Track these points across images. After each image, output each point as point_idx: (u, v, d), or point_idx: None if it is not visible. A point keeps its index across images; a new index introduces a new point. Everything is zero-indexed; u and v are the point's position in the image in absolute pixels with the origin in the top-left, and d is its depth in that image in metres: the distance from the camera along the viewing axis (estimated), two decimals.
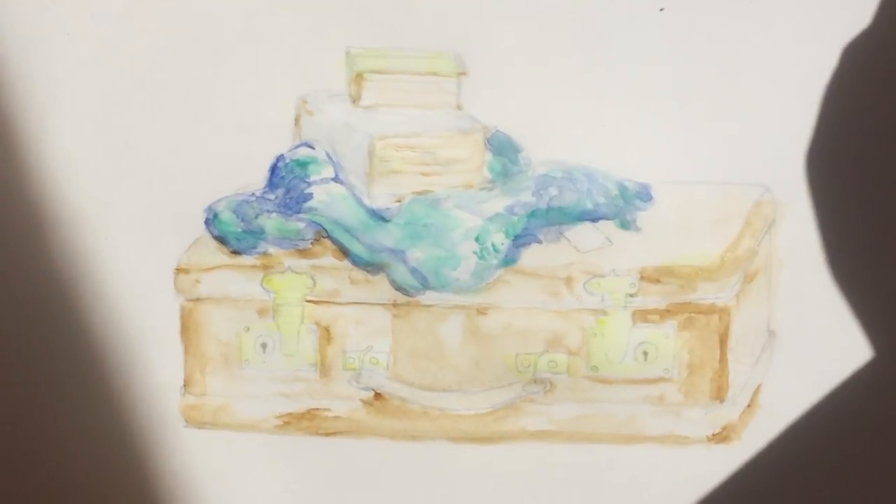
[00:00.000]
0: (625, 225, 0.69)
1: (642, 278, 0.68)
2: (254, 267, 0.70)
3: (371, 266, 0.69)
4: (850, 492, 0.70)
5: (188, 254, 0.70)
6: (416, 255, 0.68)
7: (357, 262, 0.69)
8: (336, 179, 0.70)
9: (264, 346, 0.70)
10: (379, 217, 0.69)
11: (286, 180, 0.70)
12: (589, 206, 0.69)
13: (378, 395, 0.70)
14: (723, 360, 0.68)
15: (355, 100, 0.70)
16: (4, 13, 0.70)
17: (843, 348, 0.69)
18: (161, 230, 0.70)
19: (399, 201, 0.69)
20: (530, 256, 0.68)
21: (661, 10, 0.68)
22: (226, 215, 0.70)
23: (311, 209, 0.69)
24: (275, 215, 0.69)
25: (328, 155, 0.70)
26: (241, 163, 0.70)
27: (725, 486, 0.70)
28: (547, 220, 0.69)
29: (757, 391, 0.70)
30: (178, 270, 0.70)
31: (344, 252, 0.69)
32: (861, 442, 0.70)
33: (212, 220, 0.70)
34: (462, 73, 0.69)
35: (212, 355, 0.71)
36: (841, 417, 0.69)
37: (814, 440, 0.70)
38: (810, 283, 0.69)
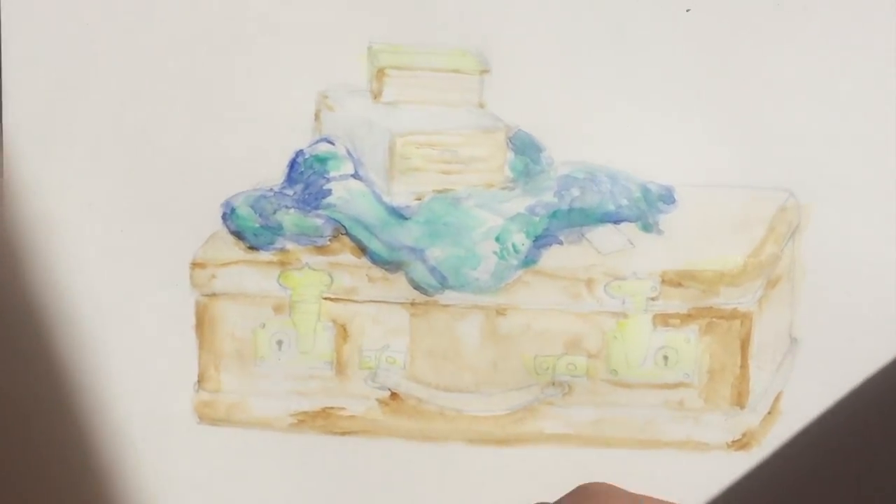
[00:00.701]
0: (647, 227, 0.68)
1: (664, 282, 0.67)
2: (270, 263, 0.69)
3: (389, 264, 0.68)
4: (871, 499, 0.69)
5: (204, 248, 0.70)
6: (436, 253, 0.67)
7: (375, 259, 0.68)
8: (355, 176, 0.69)
9: (280, 343, 0.69)
10: (398, 215, 0.68)
11: (305, 176, 0.69)
12: (611, 207, 0.68)
13: (394, 395, 0.69)
14: (744, 365, 0.68)
15: (376, 96, 0.69)
16: (20, 3, 0.69)
17: (866, 356, 0.68)
18: (177, 224, 0.70)
19: (419, 199, 0.68)
20: (551, 257, 0.68)
21: (687, 10, 0.67)
22: (243, 210, 0.69)
23: (329, 205, 0.69)
24: (293, 211, 0.69)
25: (348, 151, 0.69)
26: (260, 157, 0.69)
27: (744, 493, 0.69)
28: (568, 221, 0.68)
29: (778, 398, 0.69)
30: (194, 265, 0.70)
31: (362, 249, 0.69)
32: (882, 450, 0.69)
33: (229, 214, 0.69)
34: (485, 71, 0.68)
35: (227, 351, 0.70)
36: (862, 424, 0.69)
37: (834, 448, 0.69)
38: (834, 289, 0.68)
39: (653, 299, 0.67)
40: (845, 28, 0.67)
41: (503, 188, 0.69)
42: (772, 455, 0.69)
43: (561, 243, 0.68)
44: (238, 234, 0.69)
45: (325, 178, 0.69)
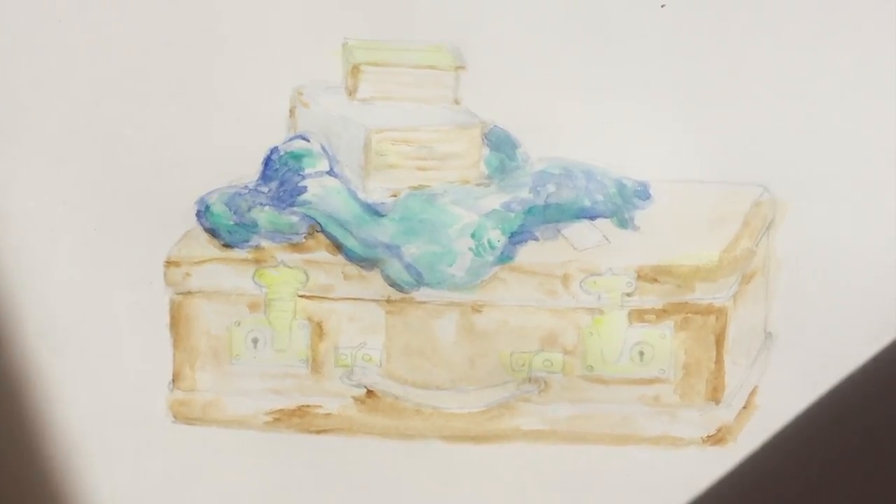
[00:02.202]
0: (622, 223, 0.68)
1: (639, 277, 0.67)
2: (246, 261, 0.69)
3: (365, 261, 0.68)
4: (846, 494, 0.70)
5: (179, 246, 0.69)
6: (412, 250, 0.67)
7: (351, 257, 0.68)
8: (331, 173, 0.69)
9: (255, 341, 0.69)
10: (374, 212, 0.68)
11: (280, 173, 0.69)
12: (587, 203, 0.68)
13: (370, 393, 0.69)
14: (719, 361, 0.68)
15: (352, 92, 0.69)
16: None
17: (840, 350, 0.69)
18: (151, 222, 0.69)
19: (394, 196, 0.68)
20: (527, 254, 0.68)
21: (662, 6, 0.67)
22: (218, 208, 0.69)
23: (304, 203, 0.68)
24: (268, 208, 0.68)
25: (323, 148, 0.69)
26: (235, 154, 0.69)
27: (720, 487, 0.69)
28: (544, 217, 0.68)
29: (753, 393, 0.69)
30: (169, 263, 0.69)
31: (338, 247, 0.68)
32: (857, 443, 0.70)
33: (203, 212, 0.69)
34: (460, 67, 0.68)
35: (202, 350, 0.70)
36: (836, 419, 0.69)
37: (809, 442, 0.69)
38: (808, 284, 0.68)
39: (628, 295, 0.67)
40: (820, 25, 0.67)
41: (479, 184, 0.69)
42: (747, 449, 0.69)
43: (537, 239, 0.68)
44: (212, 232, 0.69)
45: (300, 175, 0.68)
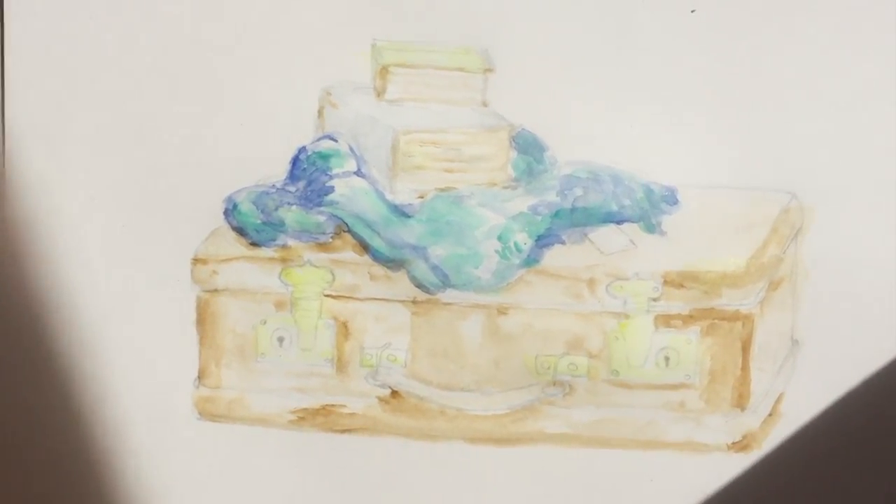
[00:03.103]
0: (649, 228, 0.68)
1: (666, 282, 0.67)
2: (272, 259, 0.69)
3: (391, 262, 0.68)
4: (872, 501, 0.70)
5: (206, 244, 0.70)
6: (438, 252, 0.67)
7: (377, 257, 0.68)
8: (358, 173, 0.69)
9: (281, 339, 0.69)
10: (401, 213, 0.68)
11: (308, 172, 0.69)
12: (614, 207, 0.68)
13: (395, 393, 0.69)
14: (745, 367, 0.68)
15: (380, 93, 0.69)
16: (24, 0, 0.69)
17: (867, 358, 0.68)
18: (179, 220, 0.70)
19: (422, 197, 0.68)
20: (553, 257, 0.68)
21: (692, 11, 0.67)
22: (245, 206, 0.69)
23: (332, 202, 0.68)
24: (295, 208, 0.69)
25: (351, 148, 0.69)
26: (263, 154, 0.69)
27: (744, 495, 0.69)
28: (571, 220, 0.68)
29: (778, 400, 0.69)
30: (196, 261, 0.69)
31: (364, 247, 0.68)
32: (882, 452, 0.69)
33: (231, 210, 0.69)
34: (489, 70, 0.68)
35: (227, 347, 0.70)
36: (862, 427, 0.69)
37: (834, 450, 0.69)
38: (835, 292, 0.68)
39: (654, 300, 0.67)
40: (849, 30, 0.67)
41: (506, 187, 0.69)
42: (772, 457, 0.69)
43: (563, 243, 0.68)
44: (240, 230, 0.69)
45: (327, 174, 0.69)
